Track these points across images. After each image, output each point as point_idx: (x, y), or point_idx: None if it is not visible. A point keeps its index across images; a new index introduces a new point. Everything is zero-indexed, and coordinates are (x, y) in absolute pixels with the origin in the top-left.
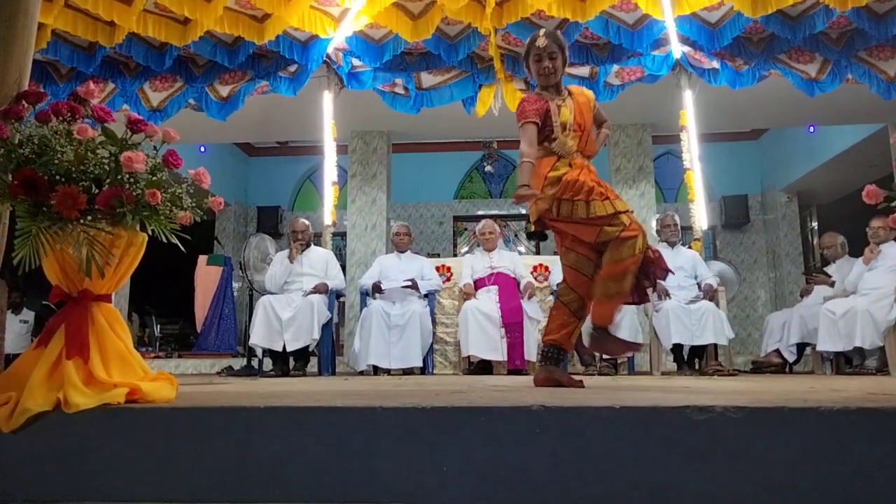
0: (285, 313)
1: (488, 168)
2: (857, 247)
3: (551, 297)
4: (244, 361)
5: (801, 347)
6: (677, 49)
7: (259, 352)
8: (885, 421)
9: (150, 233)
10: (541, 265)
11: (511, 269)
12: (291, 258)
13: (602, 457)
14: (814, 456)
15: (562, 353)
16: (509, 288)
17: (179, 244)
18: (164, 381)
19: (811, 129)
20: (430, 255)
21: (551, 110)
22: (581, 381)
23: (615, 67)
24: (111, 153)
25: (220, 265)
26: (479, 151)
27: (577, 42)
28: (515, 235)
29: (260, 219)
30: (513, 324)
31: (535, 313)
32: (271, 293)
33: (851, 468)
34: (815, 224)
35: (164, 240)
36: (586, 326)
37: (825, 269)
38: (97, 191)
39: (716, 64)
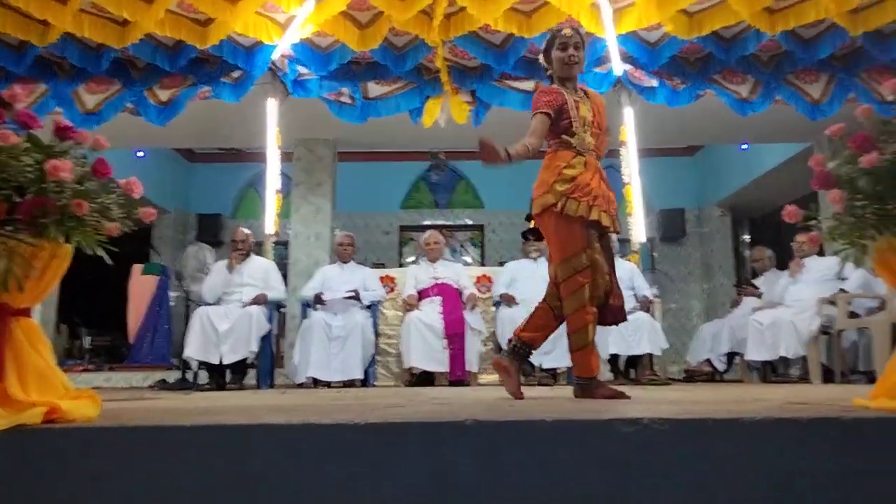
0: (223, 325)
1: (435, 178)
2: (787, 260)
3: (494, 308)
4: (179, 374)
5: (731, 356)
6: (618, 67)
7: (194, 364)
8: (801, 431)
9: (74, 245)
10: (484, 276)
11: (455, 280)
12: (231, 268)
13: (533, 470)
14: (737, 466)
15: (530, 351)
16: (452, 299)
17: (106, 257)
18: (86, 398)
19: (744, 146)
20: (375, 265)
21: (569, 104)
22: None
23: None
24: (36, 160)
25: (157, 274)
26: (425, 161)
27: (524, 57)
28: (461, 246)
29: (200, 226)
30: (455, 335)
31: (478, 324)
32: (208, 304)
33: (772, 477)
34: (747, 237)
35: (91, 252)
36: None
37: (754, 281)
38: (19, 200)
39: (654, 82)
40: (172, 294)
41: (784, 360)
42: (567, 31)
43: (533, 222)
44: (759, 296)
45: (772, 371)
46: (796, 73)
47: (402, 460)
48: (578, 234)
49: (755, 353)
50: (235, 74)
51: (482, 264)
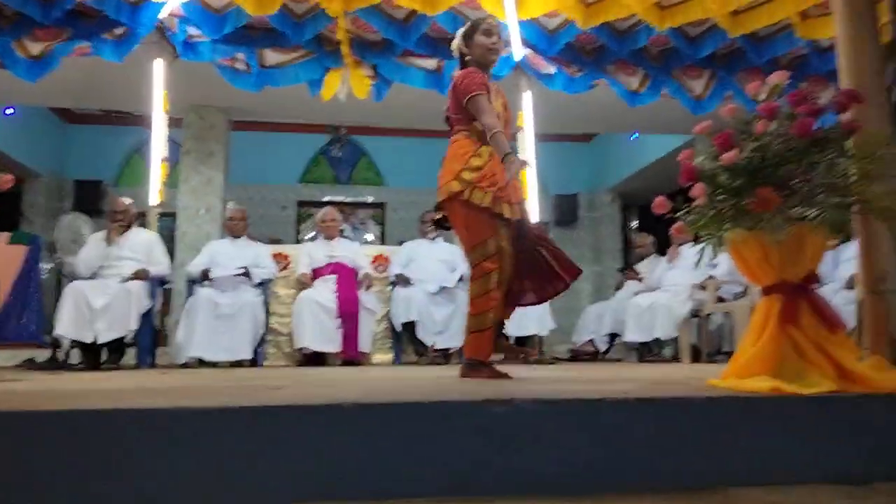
0: (98, 301)
1: (335, 153)
2: (670, 246)
3: (389, 288)
4: (49, 354)
5: (612, 337)
6: (518, 52)
7: (66, 343)
8: (658, 409)
9: None
10: (381, 256)
11: (351, 259)
12: (109, 240)
13: (412, 450)
14: (600, 443)
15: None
16: (348, 278)
17: None
18: None
19: (634, 135)
20: (271, 241)
21: (491, 91)
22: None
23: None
24: None
25: (26, 244)
26: (326, 134)
27: (426, 35)
28: (362, 223)
29: (78, 194)
30: (348, 314)
31: (372, 304)
32: (83, 278)
33: (630, 453)
34: (635, 223)
35: None
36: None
37: (637, 266)
38: None
39: (553, 69)
40: (45, 266)
41: (658, 341)
42: (491, 20)
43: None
44: (640, 280)
45: (648, 351)
46: (682, 69)
47: (278, 445)
48: (485, 223)
49: (633, 335)
50: (118, 31)
51: (383, 242)
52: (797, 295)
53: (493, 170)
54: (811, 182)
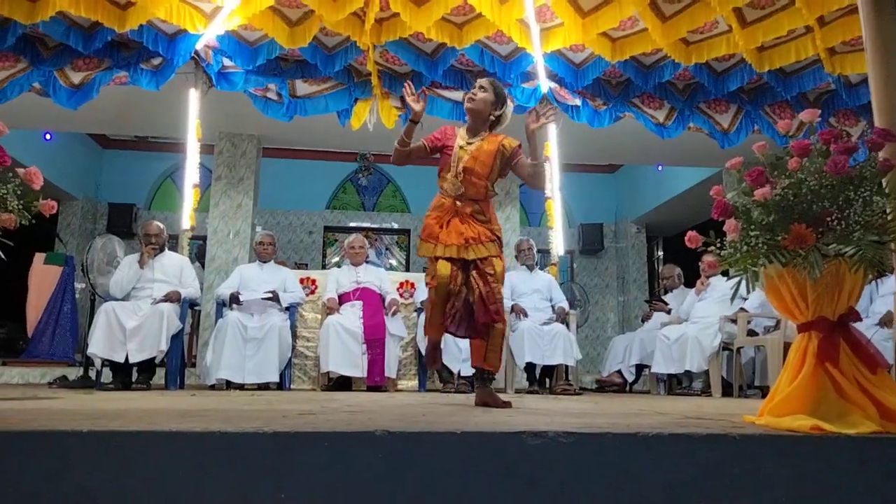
0: (130, 322)
1: (363, 180)
2: (696, 277)
3: (415, 314)
4: (80, 372)
5: (639, 368)
6: (545, 84)
7: (98, 362)
8: (692, 445)
9: None
10: (407, 282)
11: (377, 285)
12: (142, 263)
13: (442, 482)
14: (632, 478)
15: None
16: (374, 304)
17: (0, 254)
18: None
19: (659, 167)
20: (297, 266)
21: (454, 146)
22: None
23: None
24: None
25: (60, 265)
26: (354, 163)
27: (453, 67)
28: (387, 248)
29: (111, 217)
30: (374, 340)
31: (398, 330)
32: (116, 299)
33: (663, 489)
34: (660, 254)
35: None
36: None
37: (665, 297)
38: None
39: (578, 101)
40: (78, 286)
41: (688, 374)
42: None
43: None
44: (668, 311)
45: (677, 383)
46: (708, 103)
47: (307, 470)
48: (431, 267)
49: (662, 366)
50: (156, 61)
51: (407, 269)
52: (835, 332)
53: (433, 223)
54: (847, 219)
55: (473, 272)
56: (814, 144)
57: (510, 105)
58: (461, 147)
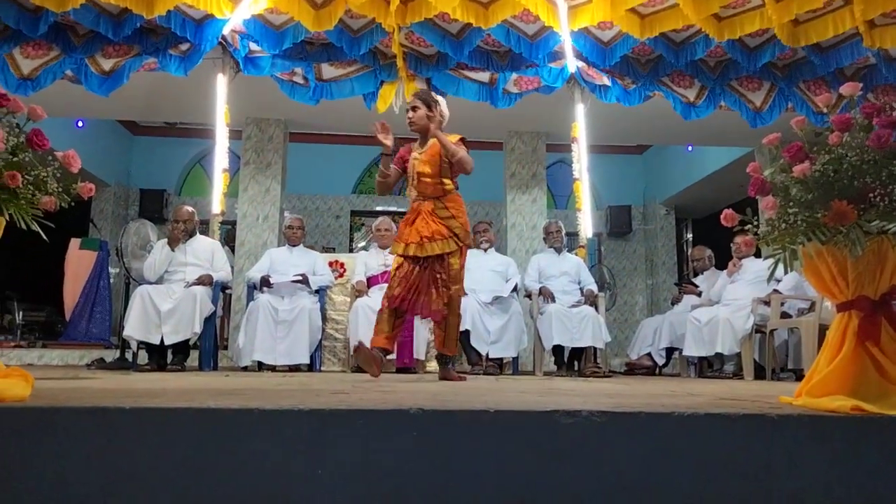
0: (165, 305)
1: None
2: (726, 259)
3: None
4: (117, 354)
5: (669, 351)
6: (572, 64)
7: (133, 344)
8: (728, 425)
9: (7, 218)
10: None
11: None
12: (172, 247)
13: (476, 459)
14: (667, 457)
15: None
16: None
17: (42, 232)
18: (17, 377)
19: (689, 148)
20: (325, 249)
21: (410, 161)
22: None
23: (514, 76)
24: None
25: (95, 250)
26: (380, 146)
27: (479, 48)
28: None
29: (143, 202)
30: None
31: None
32: (150, 283)
33: (698, 469)
34: (689, 236)
35: (24, 227)
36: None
37: (694, 279)
38: None
39: (607, 81)
40: (113, 270)
41: (719, 357)
42: (409, 99)
43: None
44: (698, 294)
45: (708, 366)
46: (740, 80)
47: (343, 447)
48: (396, 264)
49: (693, 349)
50: (184, 47)
51: None
52: (877, 311)
53: (402, 227)
54: (891, 195)
55: (426, 272)
56: (855, 119)
57: (442, 101)
58: (415, 158)
